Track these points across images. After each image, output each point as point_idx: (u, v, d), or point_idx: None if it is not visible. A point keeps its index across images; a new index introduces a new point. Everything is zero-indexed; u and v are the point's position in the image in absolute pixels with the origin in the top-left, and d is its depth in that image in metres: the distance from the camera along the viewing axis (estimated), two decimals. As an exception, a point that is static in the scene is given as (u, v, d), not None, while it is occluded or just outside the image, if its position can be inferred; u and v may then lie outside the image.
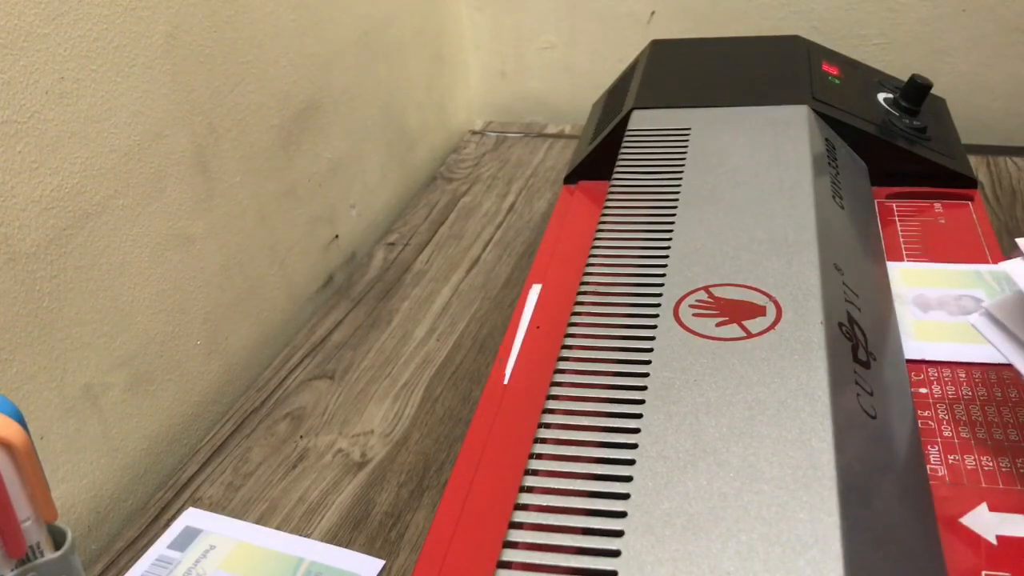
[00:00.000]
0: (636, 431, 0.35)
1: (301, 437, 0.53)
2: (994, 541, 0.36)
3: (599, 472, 0.34)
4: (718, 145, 0.54)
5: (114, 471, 0.52)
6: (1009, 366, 0.44)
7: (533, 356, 0.44)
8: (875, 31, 0.80)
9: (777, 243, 0.44)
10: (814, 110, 0.56)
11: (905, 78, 0.62)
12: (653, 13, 0.75)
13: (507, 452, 0.38)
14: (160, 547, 0.45)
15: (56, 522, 0.30)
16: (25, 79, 0.44)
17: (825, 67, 0.63)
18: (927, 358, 0.45)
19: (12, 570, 0.29)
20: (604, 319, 0.42)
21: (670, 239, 0.46)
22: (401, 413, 0.54)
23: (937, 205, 0.56)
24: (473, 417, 0.42)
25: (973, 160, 0.64)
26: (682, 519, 0.31)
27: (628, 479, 0.33)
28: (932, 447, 0.40)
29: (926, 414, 0.42)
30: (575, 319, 0.43)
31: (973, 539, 0.36)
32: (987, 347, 0.44)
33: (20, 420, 0.29)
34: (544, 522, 0.33)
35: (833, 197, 0.50)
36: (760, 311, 0.40)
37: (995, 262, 0.51)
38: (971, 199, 0.57)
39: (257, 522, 0.47)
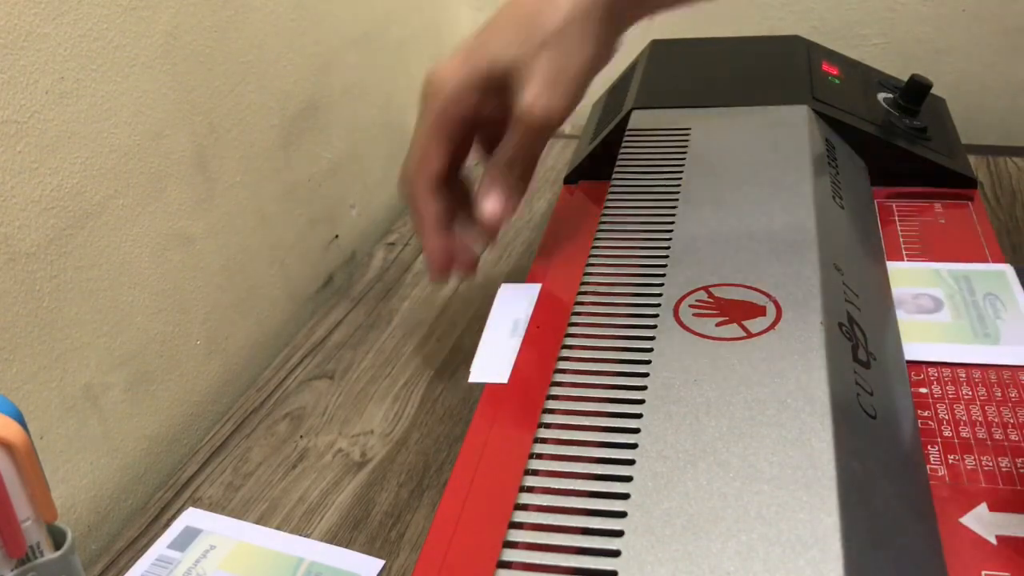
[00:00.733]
0: (636, 431, 0.35)
1: (301, 437, 0.53)
2: (994, 541, 0.36)
3: (599, 472, 0.34)
4: (718, 145, 0.54)
5: (114, 471, 0.52)
6: (1009, 366, 0.44)
7: (533, 356, 0.44)
8: (875, 31, 0.80)
9: (777, 243, 0.44)
10: (814, 110, 0.56)
11: (905, 78, 0.62)
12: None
13: (507, 452, 0.38)
14: (160, 547, 0.45)
15: (56, 522, 0.30)
16: (25, 79, 0.44)
17: (825, 67, 0.63)
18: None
19: (12, 570, 0.29)
20: (604, 319, 0.42)
21: (670, 239, 0.46)
22: (401, 413, 0.54)
23: (937, 205, 0.56)
24: (473, 417, 0.42)
25: (973, 160, 0.64)
26: (682, 519, 0.31)
27: (628, 479, 0.33)
28: (932, 447, 0.40)
29: (926, 414, 0.42)
30: (575, 319, 0.43)
31: (973, 539, 0.36)
32: (966, 347, 0.44)
33: (20, 420, 0.29)
34: (544, 522, 0.33)
35: (833, 197, 0.50)
36: (760, 311, 0.40)
37: (995, 262, 0.51)
38: (971, 199, 0.57)
39: (257, 522, 0.47)
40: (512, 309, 0.48)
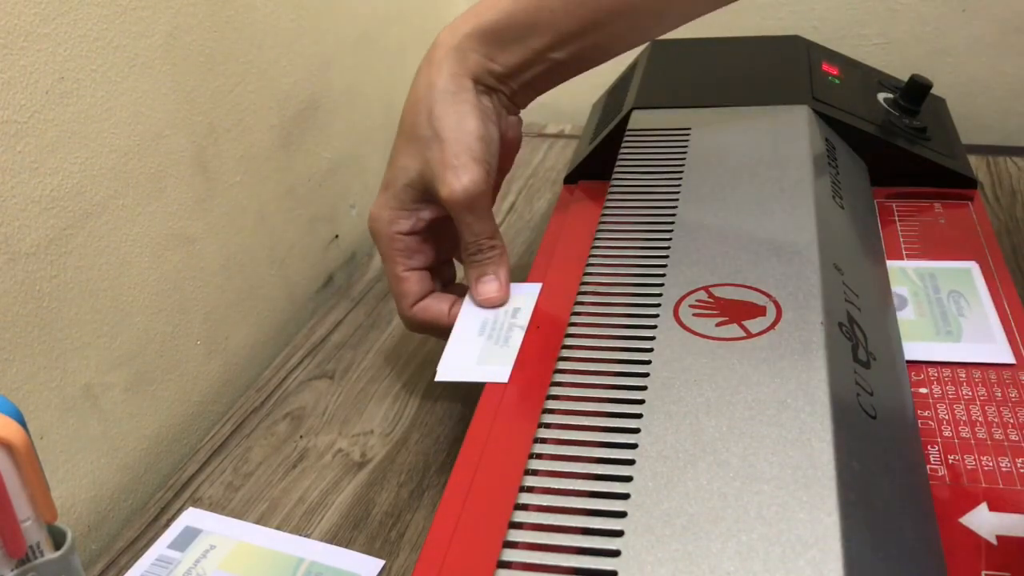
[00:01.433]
0: (636, 431, 0.35)
1: (301, 437, 0.53)
2: (994, 541, 0.36)
3: (599, 472, 0.34)
4: (718, 145, 0.54)
5: (114, 471, 0.52)
6: (1010, 365, 0.44)
7: (533, 356, 0.44)
8: (875, 31, 0.80)
9: (777, 243, 0.44)
10: (814, 110, 0.56)
11: (905, 78, 0.61)
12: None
13: (507, 452, 0.38)
14: (160, 547, 0.45)
15: (56, 522, 0.30)
16: (25, 79, 0.44)
17: (825, 67, 0.63)
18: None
19: (12, 570, 0.29)
20: (604, 319, 0.42)
21: (670, 239, 0.46)
22: (401, 413, 0.54)
23: (937, 205, 0.56)
24: (473, 417, 0.42)
25: (973, 160, 0.64)
26: (682, 519, 0.31)
27: (628, 479, 0.33)
28: (932, 447, 0.40)
29: (926, 414, 0.42)
30: (575, 319, 0.43)
31: (973, 539, 0.36)
32: (959, 346, 0.45)
33: (20, 420, 0.29)
34: (544, 522, 0.33)
35: (833, 197, 0.50)
36: (760, 311, 0.40)
37: (995, 262, 0.51)
38: (971, 199, 0.57)
39: (257, 522, 0.47)
40: (481, 308, 0.48)
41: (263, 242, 0.64)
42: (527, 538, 0.33)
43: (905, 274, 0.50)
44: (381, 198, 0.50)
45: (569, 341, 0.41)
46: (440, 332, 0.49)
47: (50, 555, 0.30)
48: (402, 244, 0.50)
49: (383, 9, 0.77)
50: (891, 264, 0.50)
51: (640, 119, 0.58)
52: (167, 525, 0.47)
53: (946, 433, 0.41)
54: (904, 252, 0.52)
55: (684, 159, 0.53)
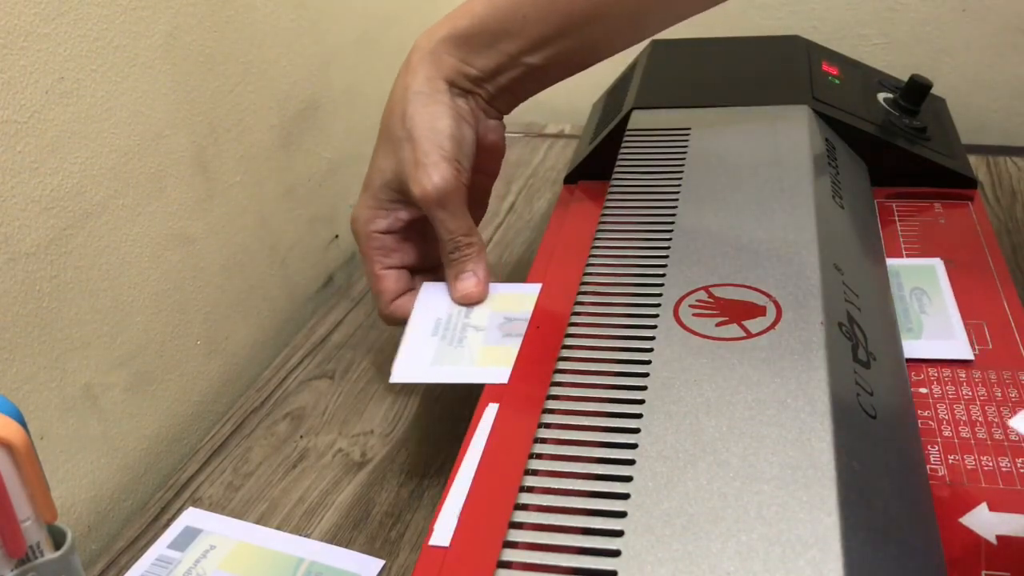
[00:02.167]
0: (636, 431, 0.35)
1: (301, 437, 0.53)
2: (994, 541, 0.36)
3: (599, 472, 0.34)
4: (718, 145, 0.54)
5: (114, 471, 0.52)
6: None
7: (533, 356, 0.44)
8: (875, 31, 0.80)
9: (777, 243, 0.44)
10: (814, 110, 0.56)
11: (905, 78, 0.61)
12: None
13: (507, 452, 0.38)
14: (160, 547, 0.45)
15: (56, 522, 0.30)
16: (25, 79, 0.44)
17: (825, 67, 0.63)
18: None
19: (12, 570, 0.29)
20: (604, 319, 0.42)
21: (670, 239, 0.46)
22: (401, 413, 0.54)
23: (937, 205, 0.56)
24: (473, 417, 0.42)
25: (973, 160, 0.64)
26: (682, 519, 0.31)
27: (628, 479, 0.33)
28: (932, 447, 0.40)
29: (926, 414, 0.42)
30: (575, 319, 0.43)
31: (973, 539, 0.36)
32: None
33: (20, 420, 0.29)
34: (544, 522, 0.33)
35: (833, 197, 0.50)
36: (760, 311, 0.40)
37: (995, 263, 0.51)
38: (971, 199, 0.57)
39: (257, 522, 0.47)
40: (434, 308, 0.49)
41: (263, 242, 0.64)
42: (527, 538, 0.33)
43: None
44: (361, 198, 0.51)
45: (569, 341, 0.41)
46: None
47: (50, 555, 0.30)
48: (379, 243, 0.51)
49: (383, 9, 0.77)
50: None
51: (640, 119, 0.58)
52: (167, 525, 0.47)
53: (946, 433, 0.41)
54: (904, 252, 0.52)
55: (684, 159, 0.53)
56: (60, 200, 0.47)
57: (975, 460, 0.39)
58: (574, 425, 0.37)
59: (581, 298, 0.44)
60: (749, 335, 0.39)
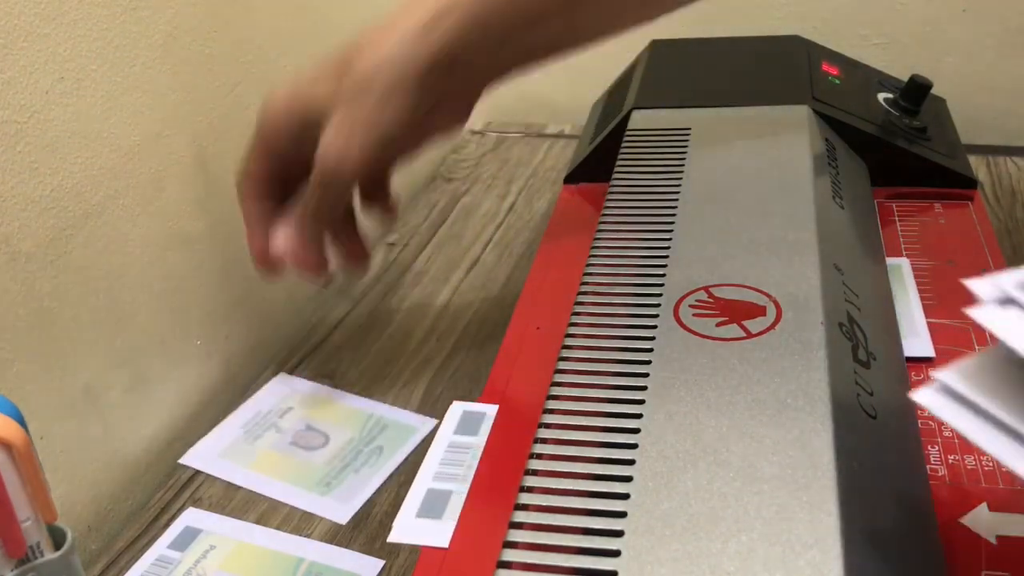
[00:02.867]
0: (636, 431, 0.35)
1: (301, 437, 0.53)
2: (994, 541, 0.36)
3: (599, 472, 0.34)
4: (718, 145, 0.54)
5: (114, 471, 0.52)
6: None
7: (533, 356, 0.44)
8: (875, 31, 0.80)
9: (777, 243, 0.44)
10: (814, 110, 0.56)
11: (905, 78, 0.62)
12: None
13: (507, 452, 0.38)
14: (160, 547, 0.45)
15: (56, 522, 0.30)
16: (25, 79, 0.44)
17: (825, 67, 0.63)
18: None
19: (12, 570, 0.29)
20: (604, 319, 0.42)
21: (670, 239, 0.46)
22: (401, 413, 0.54)
23: (937, 205, 0.56)
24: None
25: (973, 160, 0.64)
26: (682, 519, 0.31)
27: (628, 479, 0.33)
28: (932, 447, 0.40)
29: (926, 414, 0.42)
30: (575, 319, 0.43)
31: (973, 539, 0.36)
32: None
33: (20, 420, 0.29)
34: (544, 522, 0.33)
35: (833, 197, 0.50)
36: (760, 311, 0.40)
37: (995, 264, 0.51)
38: (971, 199, 0.57)
39: (257, 522, 0.47)
40: (266, 400, 0.52)
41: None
42: (527, 538, 0.33)
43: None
44: (283, 93, 0.47)
45: (569, 341, 0.41)
46: (243, 212, 0.51)
47: (50, 555, 0.30)
48: (272, 141, 0.48)
49: (384, 9, 0.77)
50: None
51: (640, 119, 0.58)
52: (167, 525, 0.47)
53: (946, 433, 0.41)
54: (904, 252, 0.52)
55: (684, 159, 0.53)
56: (60, 200, 0.47)
57: (975, 460, 0.39)
58: (574, 425, 0.37)
59: (581, 298, 0.44)
60: (749, 335, 0.39)
